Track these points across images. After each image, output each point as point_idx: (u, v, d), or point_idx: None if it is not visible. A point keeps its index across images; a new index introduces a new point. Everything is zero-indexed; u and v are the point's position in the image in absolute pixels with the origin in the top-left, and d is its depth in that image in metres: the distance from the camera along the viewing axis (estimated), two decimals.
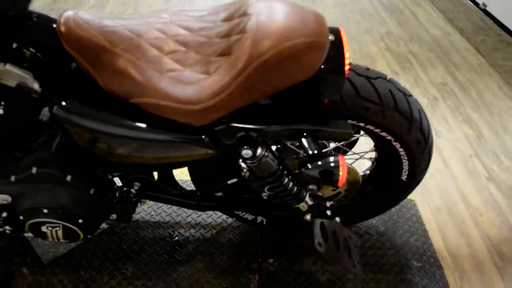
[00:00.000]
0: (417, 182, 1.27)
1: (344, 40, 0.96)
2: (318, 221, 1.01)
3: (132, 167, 1.13)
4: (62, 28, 0.90)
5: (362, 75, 1.04)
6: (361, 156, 1.32)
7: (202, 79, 0.87)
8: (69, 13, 0.92)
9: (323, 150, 1.22)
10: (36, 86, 0.91)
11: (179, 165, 1.10)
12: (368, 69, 1.08)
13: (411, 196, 1.72)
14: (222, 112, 0.89)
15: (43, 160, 1.07)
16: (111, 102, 0.95)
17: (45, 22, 0.93)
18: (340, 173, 0.91)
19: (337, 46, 0.94)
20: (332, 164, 0.92)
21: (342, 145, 1.28)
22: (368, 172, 1.39)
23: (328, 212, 1.09)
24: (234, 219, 1.44)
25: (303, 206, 1.11)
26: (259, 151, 0.95)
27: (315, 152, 0.93)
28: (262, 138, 0.97)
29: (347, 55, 0.94)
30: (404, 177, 1.23)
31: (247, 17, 0.92)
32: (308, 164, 0.94)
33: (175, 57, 0.92)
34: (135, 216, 1.58)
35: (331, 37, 0.93)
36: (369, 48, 2.81)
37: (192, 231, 1.54)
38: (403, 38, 2.96)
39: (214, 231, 1.54)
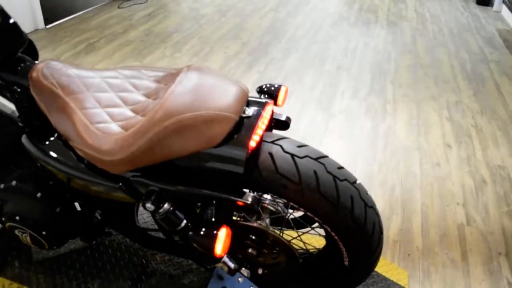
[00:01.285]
0: (365, 271, 1.18)
1: (262, 116, 0.99)
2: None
3: (87, 196, 1.27)
4: (32, 75, 1.08)
5: (288, 152, 1.03)
6: (308, 231, 1.28)
7: (119, 134, 0.97)
8: (41, 64, 1.11)
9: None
10: (17, 116, 1.12)
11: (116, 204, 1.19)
12: (302, 146, 1.06)
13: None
14: (130, 166, 0.97)
15: (23, 176, 1.26)
16: (59, 141, 1.11)
17: (25, 68, 1.13)
18: (216, 245, 0.94)
19: (251, 121, 0.97)
20: (208, 235, 0.95)
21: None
22: (317, 248, 1.34)
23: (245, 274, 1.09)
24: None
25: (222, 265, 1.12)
26: (162, 207, 1.00)
27: (205, 219, 0.97)
28: (168, 195, 1.03)
29: (258, 131, 0.97)
30: (346, 263, 1.16)
31: (170, 84, 1.01)
32: (190, 231, 0.98)
33: (110, 111, 1.04)
34: (119, 237, 1.71)
35: (248, 112, 0.97)
36: (428, 115, 2.64)
37: (162, 266, 1.61)
38: (472, 109, 2.73)
39: (181, 271, 1.59)
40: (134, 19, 4.08)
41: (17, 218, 1.28)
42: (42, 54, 3.35)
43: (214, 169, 0.98)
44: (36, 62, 1.30)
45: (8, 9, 3.36)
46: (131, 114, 1.03)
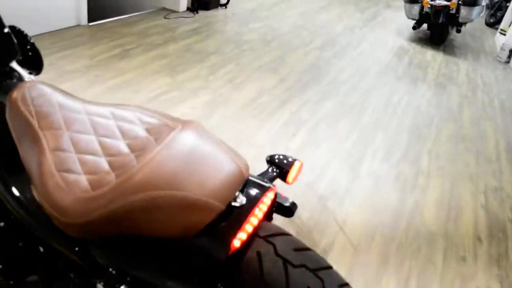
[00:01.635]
0: None
1: (258, 205, 0.81)
2: None
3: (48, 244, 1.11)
4: (12, 95, 0.94)
5: (280, 256, 0.83)
6: None
7: (83, 192, 0.81)
8: (26, 84, 0.96)
9: None
10: None
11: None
12: (301, 249, 0.86)
13: None
14: (89, 234, 0.80)
15: None
16: (24, 179, 0.95)
17: (8, 85, 0.99)
18: None
19: (242, 213, 0.79)
20: None
21: None
22: None
23: None
24: None
25: None
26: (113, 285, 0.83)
27: None
28: (126, 277, 0.85)
29: (247, 227, 0.79)
30: None
31: (159, 140, 0.84)
32: None
33: (84, 158, 0.87)
34: None
35: (241, 200, 0.79)
36: (461, 199, 2.40)
37: None
38: None
39: None
40: (177, 32, 4.01)
41: None
42: (78, 51, 3.30)
43: (186, 261, 0.80)
44: (26, 79, 1.18)
45: (50, 2, 3.33)
46: (106, 168, 0.85)
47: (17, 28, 1.36)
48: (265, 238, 0.84)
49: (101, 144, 0.89)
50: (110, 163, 0.85)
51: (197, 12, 4.67)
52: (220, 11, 4.91)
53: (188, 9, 4.71)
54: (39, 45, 3.29)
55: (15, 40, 1.08)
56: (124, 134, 0.91)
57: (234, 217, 0.78)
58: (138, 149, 0.87)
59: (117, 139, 0.90)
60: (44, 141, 0.87)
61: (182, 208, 0.73)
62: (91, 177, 0.83)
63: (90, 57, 3.25)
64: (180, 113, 2.67)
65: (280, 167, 1.04)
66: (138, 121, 0.94)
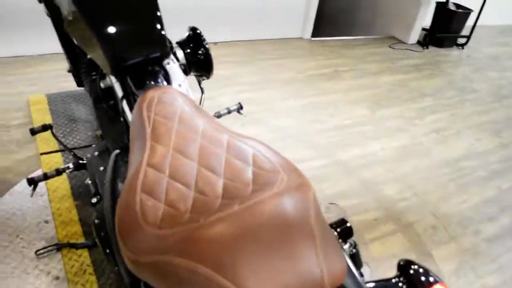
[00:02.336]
0: None
1: None
2: None
3: None
4: (142, 97, 0.88)
5: None
6: None
7: (149, 224, 0.65)
8: (160, 90, 0.89)
9: None
10: None
11: None
12: None
13: None
14: (133, 269, 0.65)
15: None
16: None
17: (148, 86, 0.95)
18: None
19: None
20: None
21: None
22: None
23: None
24: None
25: None
26: None
27: None
28: None
29: None
30: None
31: (254, 196, 0.63)
32: None
33: (171, 185, 0.71)
34: None
35: None
36: None
37: None
38: None
39: None
40: (397, 65, 3.71)
41: None
42: (290, 62, 3.34)
43: None
44: (177, 82, 1.12)
45: (283, 12, 3.43)
46: (187, 205, 0.68)
47: (198, 31, 1.34)
48: None
49: (198, 175, 0.73)
50: (194, 201, 0.68)
51: (427, 48, 4.26)
52: (454, 51, 4.38)
53: (418, 42, 4.34)
54: (261, 48, 3.44)
55: (168, 42, 1.03)
56: (226, 170, 0.73)
57: None
58: (229, 195, 0.68)
59: (217, 174, 0.73)
60: (146, 154, 0.77)
61: None
62: (167, 210, 0.68)
63: (299, 71, 3.25)
64: (368, 151, 2.41)
65: (413, 283, 0.73)
66: (251, 160, 0.75)
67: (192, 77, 1.49)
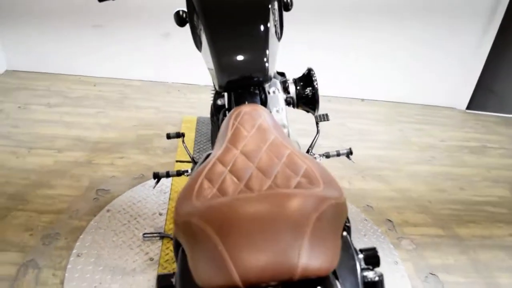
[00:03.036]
0: None
1: None
2: None
3: None
4: (237, 109, 1.05)
5: None
6: None
7: (197, 198, 0.80)
8: (253, 106, 1.04)
9: None
10: None
11: None
12: None
13: None
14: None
15: None
16: None
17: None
18: None
19: None
20: None
21: None
22: None
23: None
24: None
25: None
26: None
27: None
28: None
29: None
30: None
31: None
32: None
33: (227, 178, 0.85)
34: None
35: None
36: None
37: None
38: None
39: None
40: None
41: None
42: (432, 129, 3.25)
43: None
44: (278, 106, 1.26)
45: (437, 77, 3.36)
46: (232, 193, 0.81)
47: (312, 72, 1.48)
48: None
49: (252, 174, 0.86)
50: (239, 192, 0.81)
51: None
52: None
53: None
54: (406, 111, 3.40)
55: (269, 70, 1.19)
56: (277, 175, 0.84)
57: None
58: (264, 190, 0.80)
59: (267, 177, 0.84)
60: (220, 151, 0.93)
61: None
62: (215, 193, 0.82)
63: (440, 139, 3.12)
64: (493, 234, 2.19)
65: None
66: (302, 172, 0.84)
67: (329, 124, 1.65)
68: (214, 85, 1.37)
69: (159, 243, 1.74)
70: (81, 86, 3.20)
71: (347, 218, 0.93)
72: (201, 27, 1.24)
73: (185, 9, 1.41)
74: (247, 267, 0.62)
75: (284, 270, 0.62)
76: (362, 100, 3.60)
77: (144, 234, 1.75)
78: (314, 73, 1.50)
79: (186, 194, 0.83)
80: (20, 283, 1.58)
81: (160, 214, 1.89)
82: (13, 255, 1.70)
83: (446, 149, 2.98)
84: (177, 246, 0.87)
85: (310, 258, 0.64)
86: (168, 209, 1.93)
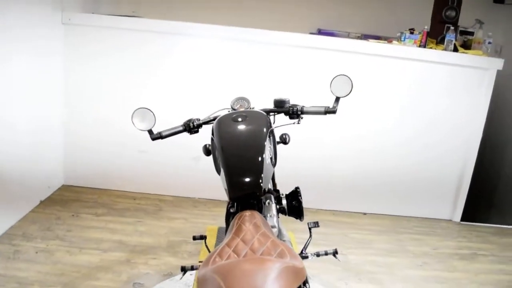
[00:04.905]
0: None
1: None
2: None
3: None
4: (237, 217, 1.59)
5: None
6: None
7: (211, 262, 1.31)
8: (253, 212, 1.58)
9: None
10: None
11: None
12: None
13: None
14: None
15: None
16: None
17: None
18: None
19: None
20: None
21: None
22: None
23: None
24: None
25: None
26: None
27: None
28: None
29: None
30: None
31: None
32: None
33: (230, 253, 1.37)
34: None
35: None
36: None
37: None
38: None
39: None
40: None
41: None
42: (429, 239, 3.61)
43: None
44: (270, 213, 1.77)
45: (433, 192, 3.84)
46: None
47: (298, 189, 2.00)
48: None
49: (246, 252, 1.36)
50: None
51: None
52: None
53: None
54: (404, 223, 3.80)
55: (262, 188, 1.71)
56: (262, 251, 1.35)
57: None
58: None
59: (256, 253, 1.35)
60: (227, 239, 1.44)
61: None
62: (222, 262, 1.32)
63: (434, 247, 3.49)
64: None
65: None
66: (279, 252, 1.33)
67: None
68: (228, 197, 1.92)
69: None
70: (123, 199, 3.81)
71: (307, 281, 1.40)
72: (220, 157, 1.84)
73: (210, 143, 2.03)
74: None
75: None
76: (365, 214, 4.06)
77: None
78: (299, 191, 2.02)
79: (204, 264, 1.34)
80: None
81: None
82: None
83: (438, 256, 3.34)
84: None
85: None
86: None
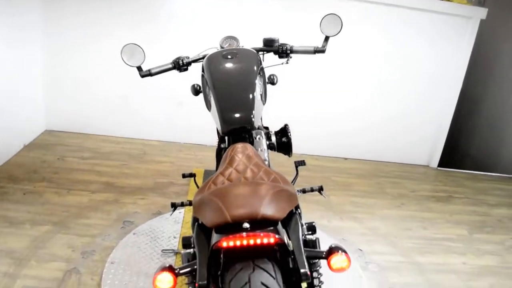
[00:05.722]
0: None
1: None
2: None
3: None
4: (235, 144, 1.63)
5: None
6: None
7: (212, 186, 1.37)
8: (245, 144, 1.62)
9: None
10: None
11: None
12: None
13: None
14: None
15: None
16: None
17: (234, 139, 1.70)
18: None
19: None
20: None
21: None
22: None
23: None
24: None
25: None
26: None
27: None
28: None
29: None
30: None
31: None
32: None
33: (228, 175, 1.42)
34: None
35: None
36: None
37: None
38: None
39: None
40: None
41: None
42: (406, 183, 3.76)
43: None
44: (261, 145, 1.82)
45: (412, 139, 3.95)
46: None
47: (287, 127, 2.05)
48: None
49: (240, 181, 1.41)
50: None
51: None
52: None
53: None
54: (384, 168, 3.92)
55: (254, 122, 1.75)
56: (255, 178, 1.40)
57: None
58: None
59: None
60: (222, 169, 1.48)
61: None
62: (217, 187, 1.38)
63: (411, 190, 3.64)
64: (448, 261, 2.66)
65: None
66: (271, 178, 1.39)
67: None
68: (218, 132, 1.95)
69: (174, 257, 2.24)
70: (108, 144, 3.81)
71: (298, 206, 1.47)
72: (211, 94, 1.85)
73: (198, 83, 2.03)
74: (233, 212, 1.16)
75: (252, 214, 1.16)
76: (346, 159, 4.18)
77: (163, 250, 2.25)
78: (288, 127, 2.07)
79: (200, 191, 1.39)
80: (66, 284, 2.07)
81: (174, 237, 2.40)
82: (59, 264, 2.20)
83: (416, 198, 3.50)
84: (194, 221, 1.41)
85: (266, 210, 1.19)
86: (180, 234, 2.44)
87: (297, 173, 2.13)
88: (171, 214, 2.21)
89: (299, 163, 2.11)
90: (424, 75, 3.98)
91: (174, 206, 2.18)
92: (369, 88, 4.00)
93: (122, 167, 3.40)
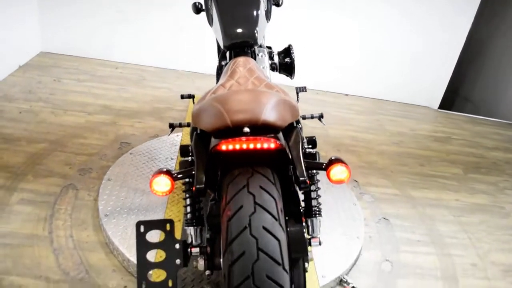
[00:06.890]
0: None
1: None
2: None
3: None
4: (232, 61, 1.56)
5: None
6: None
7: (215, 91, 1.33)
8: (247, 57, 1.55)
9: None
10: None
11: None
12: None
13: None
14: None
15: None
16: None
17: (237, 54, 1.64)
18: None
19: None
20: None
21: None
22: None
23: None
24: None
25: None
26: None
27: None
28: None
29: None
30: None
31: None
32: None
33: (231, 85, 1.38)
34: None
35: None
36: None
37: None
38: None
39: None
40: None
41: None
42: (405, 121, 3.73)
43: None
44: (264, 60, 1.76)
45: (415, 80, 3.87)
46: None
47: (291, 47, 1.98)
48: None
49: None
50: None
51: None
52: None
53: None
54: (385, 106, 3.91)
55: (258, 38, 1.68)
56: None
57: None
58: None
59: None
60: (223, 80, 1.43)
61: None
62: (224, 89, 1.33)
63: (411, 129, 3.63)
64: (441, 197, 2.69)
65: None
66: (274, 90, 1.35)
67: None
68: (218, 47, 1.88)
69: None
70: (105, 67, 3.72)
71: (299, 121, 1.44)
72: (214, 8, 1.76)
73: (200, 1, 1.94)
74: (234, 117, 1.13)
75: (253, 119, 1.13)
76: (347, 95, 4.12)
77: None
78: (292, 48, 2.00)
79: (201, 99, 1.34)
80: (63, 198, 2.08)
81: (172, 159, 2.39)
82: (57, 180, 2.20)
83: (414, 136, 3.49)
84: (192, 131, 1.38)
85: (268, 116, 1.15)
86: (177, 156, 2.43)
87: (297, 99, 2.09)
88: (168, 135, 2.17)
89: (300, 89, 2.07)
90: (433, 16, 3.82)
91: (172, 126, 2.14)
92: (375, 25, 3.86)
93: (120, 90, 3.34)
